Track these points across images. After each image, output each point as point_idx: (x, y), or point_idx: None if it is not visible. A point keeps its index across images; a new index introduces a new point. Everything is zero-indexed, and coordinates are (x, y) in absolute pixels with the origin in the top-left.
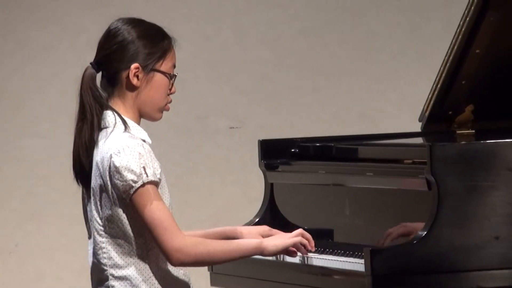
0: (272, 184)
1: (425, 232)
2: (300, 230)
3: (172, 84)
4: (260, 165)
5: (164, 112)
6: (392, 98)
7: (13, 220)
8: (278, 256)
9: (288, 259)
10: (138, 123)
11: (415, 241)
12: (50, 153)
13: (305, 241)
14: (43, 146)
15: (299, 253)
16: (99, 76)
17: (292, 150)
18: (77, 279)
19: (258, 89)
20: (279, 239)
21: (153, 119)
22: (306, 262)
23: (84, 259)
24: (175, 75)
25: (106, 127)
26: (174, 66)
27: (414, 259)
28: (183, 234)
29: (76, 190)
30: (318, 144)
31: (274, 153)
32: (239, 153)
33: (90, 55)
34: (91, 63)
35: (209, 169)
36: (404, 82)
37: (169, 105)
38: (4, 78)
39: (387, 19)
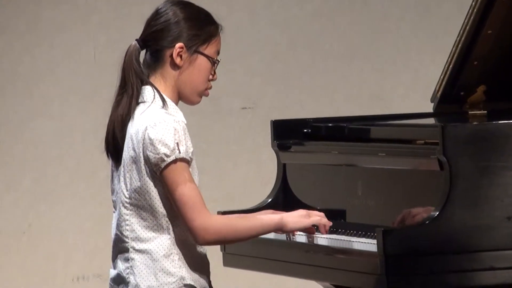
0: (284, 165)
1: (437, 213)
2: (321, 214)
3: (215, 71)
4: (272, 146)
5: None
6: (403, 80)
7: (25, 201)
8: (290, 236)
9: (299, 239)
10: (176, 103)
11: (427, 222)
12: (62, 134)
13: (324, 222)
14: (55, 127)
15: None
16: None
17: (305, 130)
18: (89, 259)
19: (270, 70)
20: (299, 217)
21: (191, 102)
22: (318, 243)
23: (96, 239)
24: (218, 61)
25: (144, 102)
26: (218, 53)
27: (426, 239)
28: (210, 213)
29: (88, 170)
30: (330, 125)
31: (286, 133)
32: (252, 134)
33: (102, 36)
34: (136, 40)
35: (221, 150)
36: (416, 64)
37: (208, 91)
38: (15, 59)
39: (399, 0)
